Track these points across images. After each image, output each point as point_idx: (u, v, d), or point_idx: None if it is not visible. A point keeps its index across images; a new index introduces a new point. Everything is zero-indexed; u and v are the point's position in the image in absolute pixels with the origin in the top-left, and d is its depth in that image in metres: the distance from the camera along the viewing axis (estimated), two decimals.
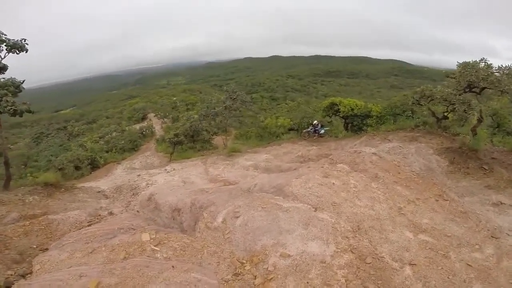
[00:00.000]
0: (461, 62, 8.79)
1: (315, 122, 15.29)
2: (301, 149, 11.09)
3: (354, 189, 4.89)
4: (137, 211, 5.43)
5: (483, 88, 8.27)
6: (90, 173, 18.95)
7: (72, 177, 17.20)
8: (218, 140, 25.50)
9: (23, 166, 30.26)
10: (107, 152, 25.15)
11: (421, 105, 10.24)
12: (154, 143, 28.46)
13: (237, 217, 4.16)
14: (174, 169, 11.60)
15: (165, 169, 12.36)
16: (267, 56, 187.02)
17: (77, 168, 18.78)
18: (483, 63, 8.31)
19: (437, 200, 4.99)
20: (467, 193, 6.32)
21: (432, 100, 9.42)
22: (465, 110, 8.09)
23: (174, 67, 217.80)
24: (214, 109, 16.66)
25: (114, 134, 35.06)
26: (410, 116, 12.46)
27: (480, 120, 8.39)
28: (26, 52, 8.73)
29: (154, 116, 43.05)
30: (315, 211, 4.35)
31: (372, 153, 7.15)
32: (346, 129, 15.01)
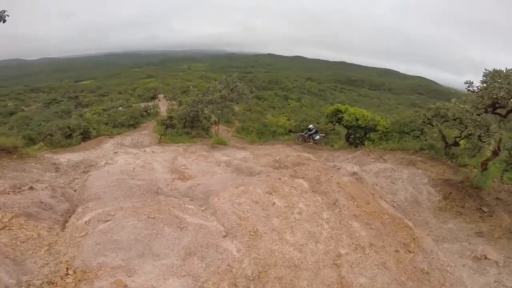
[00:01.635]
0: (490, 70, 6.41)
1: (310, 126, 14.27)
2: (282, 153, 10.00)
3: (295, 216, 3.65)
4: (62, 193, 4.64)
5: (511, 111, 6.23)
6: (80, 143, 18.60)
7: (59, 144, 16.96)
8: (220, 129, 24.81)
9: (26, 126, 30.68)
10: (106, 124, 24.97)
11: (433, 125, 8.91)
12: (154, 123, 28.04)
13: (106, 221, 3.18)
14: (153, 151, 10.88)
15: (144, 150, 11.66)
16: (290, 55, 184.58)
17: (69, 136, 18.51)
18: None
19: (397, 251, 3.61)
20: (449, 238, 5.20)
21: (446, 121, 8.07)
22: (480, 136, 6.33)
23: (196, 53, 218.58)
24: (209, 96, 15.73)
25: (120, 108, 35.16)
26: (417, 136, 11.14)
27: (496, 153, 6.70)
28: (4, 22, 8.06)
29: (164, 97, 42.94)
30: (223, 237, 3.26)
31: (353, 173, 6.03)
32: (347, 140, 13.80)
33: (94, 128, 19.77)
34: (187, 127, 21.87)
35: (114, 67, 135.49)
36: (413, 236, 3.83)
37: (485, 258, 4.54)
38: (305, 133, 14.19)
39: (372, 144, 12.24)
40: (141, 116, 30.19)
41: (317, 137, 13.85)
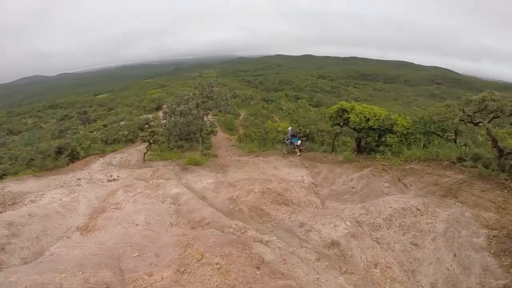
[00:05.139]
0: None
1: (289, 128, 12.35)
2: (260, 177, 7.68)
3: None
4: None
5: None
6: (68, 164, 17.39)
7: (44, 168, 15.85)
8: (219, 139, 22.89)
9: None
10: (104, 141, 23.88)
11: (476, 124, 6.33)
12: None
13: None
14: (114, 179, 9.09)
15: (110, 176, 9.90)
16: (299, 55, 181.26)
17: (55, 158, 17.41)
18: None
19: None
20: None
21: (498, 117, 5.50)
22: None
23: (207, 60, 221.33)
24: (180, 106, 13.60)
25: (121, 123, 34.25)
26: (452, 139, 8.43)
27: None
28: None
29: (166, 107, 41.81)
30: None
31: (331, 243, 3.75)
32: (358, 146, 11.21)
33: (83, 148, 18.46)
34: (183, 139, 20.16)
35: (129, 79, 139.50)
36: None
37: None
38: (286, 140, 12.27)
39: (390, 150, 9.64)
40: (141, 130, 29.02)
41: (298, 142, 11.88)
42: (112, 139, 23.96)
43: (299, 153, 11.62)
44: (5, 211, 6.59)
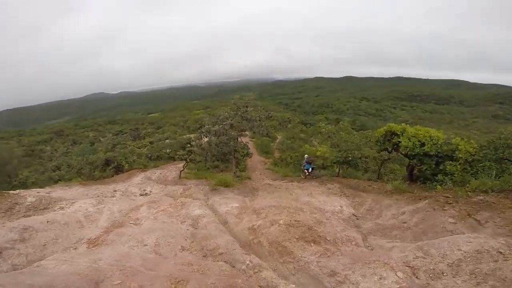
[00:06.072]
0: None
1: (305, 156, 13.11)
2: (292, 205, 6.80)
3: None
4: None
5: None
6: (112, 176, 18.83)
7: (90, 177, 17.39)
8: (255, 162, 22.65)
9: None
10: (148, 157, 25.50)
11: None
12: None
13: None
14: (146, 193, 9.29)
15: (144, 191, 10.21)
16: (339, 77, 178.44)
17: (104, 169, 19.08)
18: None
19: None
20: None
21: None
22: None
23: (247, 83, 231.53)
24: (215, 126, 13.62)
25: (167, 141, 36.58)
26: None
27: None
28: None
29: (203, 127, 43.76)
30: None
31: (394, 284, 2.92)
32: (410, 175, 9.77)
33: (127, 162, 19.88)
34: (219, 159, 20.37)
35: (178, 99, 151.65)
36: None
37: None
38: (303, 165, 13.04)
39: (451, 180, 8.17)
40: (183, 148, 30.44)
41: (310, 169, 12.59)
42: (156, 156, 25.43)
43: (304, 177, 12.52)
44: (34, 214, 6.94)
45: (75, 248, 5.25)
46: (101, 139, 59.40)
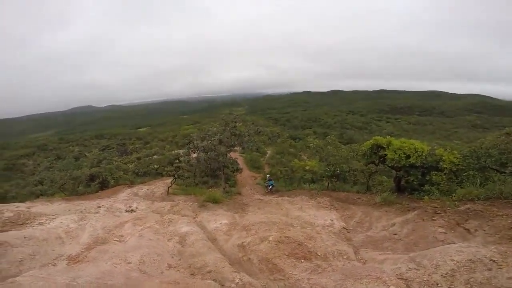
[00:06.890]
0: None
1: (267, 175, 15.64)
2: (283, 219, 6.70)
3: None
4: None
5: None
6: (97, 191, 18.21)
7: (74, 192, 16.87)
8: (245, 177, 22.46)
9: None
10: (136, 173, 24.82)
11: None
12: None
13: None
14: (131, 209, 8.94)
15: (129, 207, 9.82)
16: (326, 91, 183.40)
17: (88, 185, 18.48)
18: None
19: None
20: None
21: None
22: None
23: (236, 97, 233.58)
24: (204, 141, 13.57)
25: (154, 157, 35.90)
26: None
27: None
28: None
29: (191, 143, 43.36)
30: None
31: None
32: (398, 186, 9.90)
33: (113, 177, 19.28)
34: (208, 175, 20.05)
35: (167, 114, 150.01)
36: None
37: None
38: (266, 183, 15.09)
39: (438, 190, 8.31)
40: (171, 164, 29.91)
41: (270, 186, 14.47)
42: (143, 172, 24.82)
43: (267, 191, 14.55)
44: (11, 230, 6.59)
45: (54, 265, 4.93)
46: (87, 154, 57.39)
